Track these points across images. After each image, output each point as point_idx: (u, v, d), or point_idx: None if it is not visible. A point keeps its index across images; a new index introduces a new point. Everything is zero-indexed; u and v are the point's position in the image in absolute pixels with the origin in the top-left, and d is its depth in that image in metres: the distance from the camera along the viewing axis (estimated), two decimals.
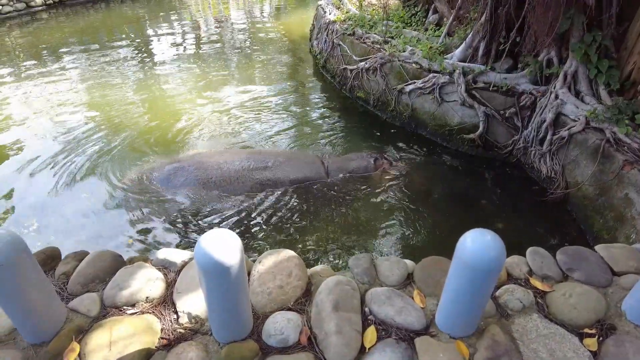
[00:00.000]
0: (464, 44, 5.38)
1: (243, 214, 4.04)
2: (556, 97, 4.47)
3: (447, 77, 5.16)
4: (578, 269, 2.22)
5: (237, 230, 3.82)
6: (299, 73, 8.06)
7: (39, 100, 6.64)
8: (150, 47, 9.53)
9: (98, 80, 7.41)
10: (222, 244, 1.67)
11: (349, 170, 4.67)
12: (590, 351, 1.83)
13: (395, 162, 4.89)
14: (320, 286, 2.15)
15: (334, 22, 7.27)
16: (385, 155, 4.91)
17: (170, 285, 2.27)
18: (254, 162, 4.48)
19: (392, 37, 6.29)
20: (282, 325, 1.96)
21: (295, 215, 4.07)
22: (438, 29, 6.23)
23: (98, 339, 1.97)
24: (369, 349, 1.89)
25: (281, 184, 4.38)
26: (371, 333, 1.94)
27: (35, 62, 8.40)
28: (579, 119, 4.20)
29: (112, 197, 4.24)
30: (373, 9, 7.60)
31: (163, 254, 2.43)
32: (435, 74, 5.29)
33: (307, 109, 6.52)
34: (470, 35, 5.32)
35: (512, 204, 4.39)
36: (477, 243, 1.67)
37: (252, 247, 3.65)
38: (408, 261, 2.35)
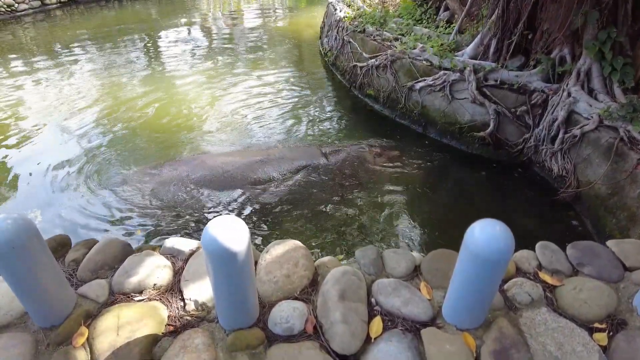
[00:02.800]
0: (475, 41, 5.35)
1: (250, 206, 4.08)
2: (569, 94, 4.42)
3: (458, 74, 5.12)
4: (589, 263, 2.19)
5: (245, 221, 3.84)
6: (308, 71, 8.07)
7: (51, 96, 6.74)
8: (161, 45, 9.62)
9: (110, 76, 7.50)
10: (230, 230, 1.68)
11: (346, 154, 4.86)
12: (600, 346, 1.80)
13: (387, 148, 5.04)
14: (326, 276, 2.15)
15: (344, 19, 7.26)
16: (377, 143, 5.18)
17: (177, 273, 2.29)
18: (257, 156, 4.66)
19: (403, 35, 6.27)
20: (288, 314, 1.97)
21: (302, 207, 4.09)
22: (449, 26, 6.20)
23: (106, 323, 1.99)
24: (375, 339, 1.88)
25: (285, 171, 4.51)
26: (377, 323, 1.94)
27: (49, 58, 8.53)
28: (591, 117, 4.15)
29: (120, 191, 4.28)
30: (385, 6, 7.58)
31: (171, 242, 2.45)
32: (445, 72, 5.26)
33: (316, 106, 6.52)
34: (481, 33, 5.29)
35: (521, 203, 4.35)
36: (485, 233, 1.65)
37: (259, 238, 3.67)
38: (415, 253, 2.34)
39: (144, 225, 3.85)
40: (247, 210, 4.02)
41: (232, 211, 4.01)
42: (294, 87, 7.17)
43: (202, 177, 4.31)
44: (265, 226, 3.85)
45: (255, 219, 3.93)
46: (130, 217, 3.93)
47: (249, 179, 4.34)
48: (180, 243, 2.43)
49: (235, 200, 4.14)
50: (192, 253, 2.40)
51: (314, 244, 3.61)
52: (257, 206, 4.08)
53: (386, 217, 4.00)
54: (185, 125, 5.77)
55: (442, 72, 5.30)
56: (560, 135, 4.44)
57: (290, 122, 5.97)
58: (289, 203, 4.14)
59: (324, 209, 4.07)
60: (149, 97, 6.64)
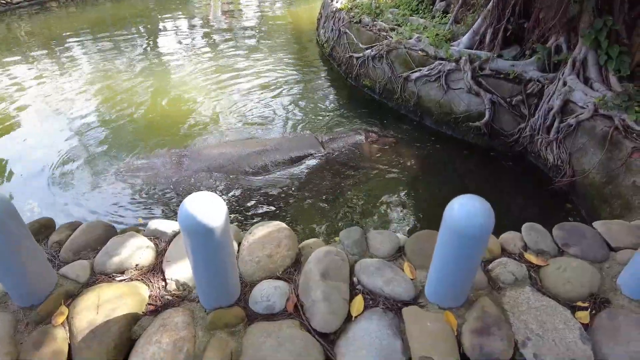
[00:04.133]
0: (470, 30, 5.33)
1: (246, 196, 4.09)
2: (564, 84, 4.40)
3: (454, 64, 5.11)
4: (574, 244, 2.18)
5: (235, 208, 3.91)
6: (305, 62, 8.07)
7: (47, 88, 6.73)
8: (159, 37, 9.61)
9: (106, 68, 7.48)
10: (206, 206, 1.68)
11: (342, 141, 4.93)
12: (582, 324, 1.80)
13: (383, 135, 5.13)
14: (309, 256, 2.15)
15: (341, 10, 7.25)
16: (373, 130, 5.28)
17: (160, 254, 2.29)
18: (254, 146, 4.65)
19: (399, 25, 6.26)
20: (269, 292, 1.97)
21: (298, 196, 4.11)
22: (445, 16, 6.18)
23: (86, 303, 2.00)
24: (356, 317, 1.89)
25: (282, 161, 4.54)
26: (359, 302, 1.94)
27: (45, 51, 8.52)
28: (587, 106, 4.13)
29: (114, 181, 4.27)
30: None
31: (154, 224, 2.45)
32: (441, 61, 5.25)
33: (313, 96, 6.52)
34: (477, 22, 5.27)
35: (516, 192, 4.35)
36: (465, 208, 1.65)
37: (248, 223, 3.67)
38: (400, 235, 2.34)
39: (137, 213, 3.86)
40: (242, 200, 4.03)
41: (227, 200, 4.01)
42: (291, 78, 7.16)
43: (198, 168, 4.32)
44: (260, 215, 3.86)
45: (250, 208, 3.94)
46: (124, 206, 3.94)
47: (245, 170, 4.36)
48: (164, 225, 2.44)
49: (231, 189, 4.16)
50: (175, 234, 2.40)
51: (300, 227, 3.63)
52: (252, 196, 4.09)
53: (379, 203, 4.02)
54: (181, 117, 5.76)
55: (437, 62, 5.28)
56: (555, 125, 4.42)
57: (288, 112, 5.97)
58: (285, 192, 4.16)
59: (319, 197, 4.09)
60: (145, 89, 6.63)
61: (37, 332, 1.91)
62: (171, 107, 6.04)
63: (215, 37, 9.67)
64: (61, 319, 1.97)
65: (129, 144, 5.06)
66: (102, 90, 6.58)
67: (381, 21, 6.43)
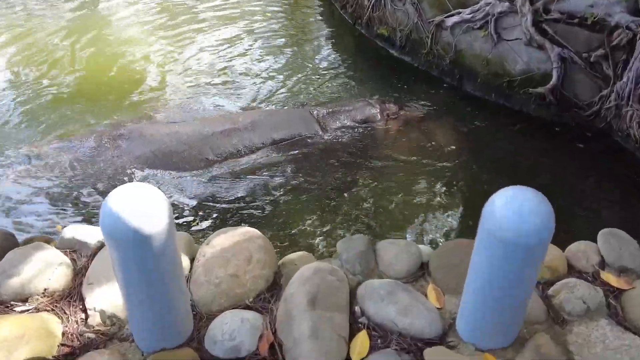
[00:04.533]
0: None
1: (206, 194, 4.11)
2: None
3: (507, 4, 5.13)
4: None
5: (189, 209, 3.95)
6: (298, 4, 8.09)
7: None
8: None
9: (20, 22, 7.45)
10: (140, 203, 1.67)
11: (347, 116, 4.98)
12: None
13: (406, 107, 5.16)
14: (293, 276, 2.17)
15: None
16: (390, 101, 5.28)
17: (79, 273, 2.32)
18: (220, 124, 4.66)
19: None
20: (233, 328, 1.98)
21: (272, 190, 4.17)
22: None
23: None
24: None
25: (260, 145, 4.58)
26: (362, 341, 1.95)
27: None
28: None
29: (25, 171, 4.27)
30: None
31: (71, 231, 2.47)
32: (489, 1, 5.26)
33: (307, 51, 6.59)
34: None
35: (594, 185, 4.38)
36: (512, 205, 1.63)
37: (207, 231, 3.67)
38: (423, 247, 2.36)
39: (49, 217, 3.88)
40: (200, 199, 4.06)
41: (179, 198, 4.04)
42: (274, 24, 7.20)
43: (139, 154, 4.33)
44: (225, 220, 3.87)
45: (212, 211, 3.96)
46: (30, 207, 3.95)
47: (207, 157, 4.39)
48: (84, 232, 2.47)
49: (185, 184, 4.19)
50: (101, 246, 2.43)
51: (290, 240, 3.66)
52: (216, 194, 4.12)
53: (397, 202, 4.05)
54: (117, 79, 5.79)
55: (483, 2, 5.31)
56: None
57: (268, 73, 6.00)
58: (263, 189, 4.19)
59: (312, 195, 4.13)
60: (70, 41, 6.60)
61: None
62: (103, 66, 6.04)
63: None
64: None
65: (43, 119, 5.06)
66: (7, 44, 6.58)
67: None
